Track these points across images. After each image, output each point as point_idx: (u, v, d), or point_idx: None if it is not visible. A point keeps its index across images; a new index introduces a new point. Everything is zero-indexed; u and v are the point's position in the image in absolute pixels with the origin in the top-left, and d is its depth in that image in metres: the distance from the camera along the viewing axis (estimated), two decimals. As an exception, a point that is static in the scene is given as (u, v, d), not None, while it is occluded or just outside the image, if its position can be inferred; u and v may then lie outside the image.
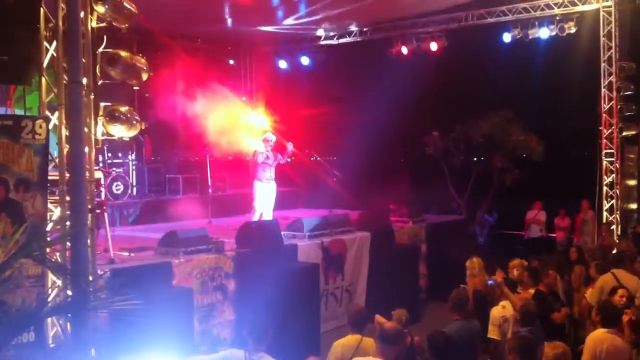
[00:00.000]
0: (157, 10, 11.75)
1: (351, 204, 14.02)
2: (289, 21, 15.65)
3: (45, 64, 6.77)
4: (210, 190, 13.77)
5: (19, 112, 10.60)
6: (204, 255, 8.72)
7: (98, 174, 8.93)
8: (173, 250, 8.56)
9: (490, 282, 7.84)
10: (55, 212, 6.77)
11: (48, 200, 6.58)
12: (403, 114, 16.79)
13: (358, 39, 17.36)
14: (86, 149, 6.65)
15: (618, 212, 14.09)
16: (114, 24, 7.75)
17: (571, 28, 14.44)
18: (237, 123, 13.97)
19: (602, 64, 14.27)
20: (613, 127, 14.13)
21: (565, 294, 8.59)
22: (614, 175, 14.16)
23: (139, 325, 4.45)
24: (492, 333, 7.20)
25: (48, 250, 5.34)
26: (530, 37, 15.01)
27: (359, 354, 5.61)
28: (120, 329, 4.91)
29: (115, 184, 13.29)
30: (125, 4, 7.64)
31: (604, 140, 14.30)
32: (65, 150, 6.62)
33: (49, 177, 6.60)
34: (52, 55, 6.75)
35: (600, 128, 14.39)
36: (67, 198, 6.48)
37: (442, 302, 7.68)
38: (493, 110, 17.47)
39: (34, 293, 6.27)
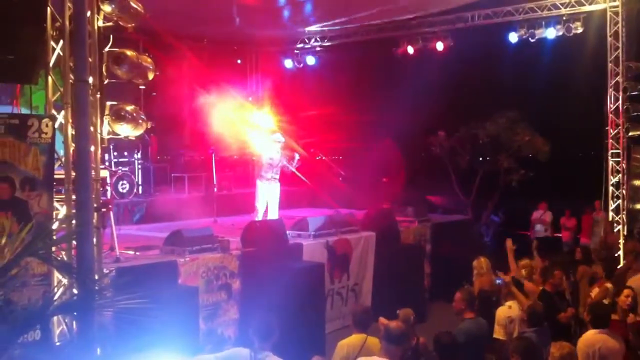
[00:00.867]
0: (164, 10, 11.76)
1: (356, 204, 14.00)
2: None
3: (51, 63, 6.78)
4: (215, 190, 13.78)
5: (25, 111, 10.65)
6: (209, 254, 8.72)
7: (104, 173, 8.95)
8: (178, 249, 8.57)
9: (498, 281, 7.83)
10: (61, 210, 6.78)
11: (54, 199, 6.59)
12: (409, 114, 16.76)
13: (364, 39, 17.35)
14: (92, 148, 6.66)
15: (624, 212, 14.05)
16: (121, 23, 7.78)
17: (578, 28, 14.41)
18: (243, 122, 13.98)
19: (609, 64, 14.24)
20: (619, 127, 14.10)
21: (571, 294, 8.57)
22: (620, 175, 14.12)
23: (145, 324, 4.45)
24: (498, 333, 7.20)
25: (54, 248, 5.36)
26: (536, 37, 15.00)
27: (363, 354, 5.60)
28: (126, 327, 4.92)
29: (121, 182, 13.31)
30: (131, 3, 7.66)
31: (610, 141, 14.27)
32: (72, 149, 6.63)
33: (55, 176, 6.61)
34: (59, 54, 6.77)
35: (607, 128, 14.36)
36: (73, 197, 6.49)
37: (447, 302, 7.68)
38: (499, 110, 17.42)
39: (39, 292, 6.28)
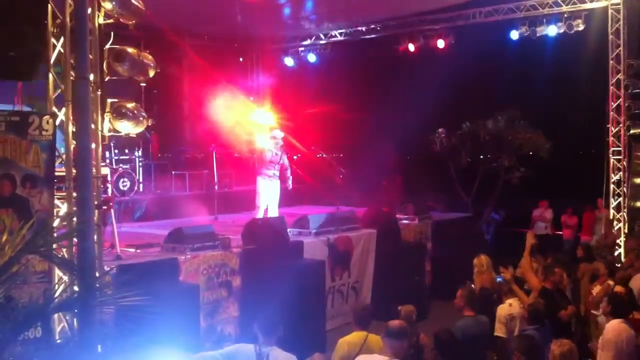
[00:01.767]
0: (165, 7, 11.74)
1: (357, 201, 14.00)
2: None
3: (52, 60, 6.78)
4: (216, 187, 13.78)
5: (26, 108, 10.65)
6: (210, 251, 8.73)
7: (105, 170, 8.95)
8: (179, 247, 8.57)
9: (499, 279, 7.83)
10: (62, 208, 6.78)
11: (55, 196, 6.59)
12: (409, 111, 16.74)
13: (365, 36, 17.33)
14: (93, 145, 6.65)
15: (625, 210, 14.05)
16: (122, 20, 7.76)
17: (579, 25, 14.40)
18: (244, 120, 13.97)
19: (610, 62, 14.23)
20: (620, 125, 14.09)
21: (572, 292, 8.57)
22: (621, 173, 14.12)
23: (146, 322, 4.45)
24: (499, 331, 7.19)
25: (55, 246, 5.35)
26: (537, 35, 14.99)
27: (364, 351, 5.60)
28: (127, 325, 4.91)
29: (122, 180, 13.31)
30: (132, 0, 7.65)
31: (612, 138, 14.26)
32: (72, 147, 6.63)
33: (56, 173, 6.61)
34: (60, 51, 6.76)
35: (608, 126, 14.35)
36: (74, 194, 6.49)
37: (447, 300, 7.67)
38: (500, 108, 17.40)
39: (40, 289, 6.29)
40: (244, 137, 13.42)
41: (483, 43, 16.18)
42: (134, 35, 12.61)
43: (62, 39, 6.71)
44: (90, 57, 6.60)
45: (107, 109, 7.68)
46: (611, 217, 14.06)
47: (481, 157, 18.26)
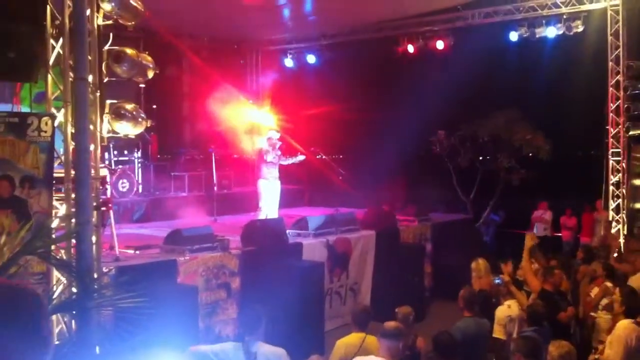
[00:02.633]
0: (164, 8, 11.74)
1: (357, 203, 14.00)
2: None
3: (51, 62, 6.78)
4: (215, 188, 13.78)
5: (25, 109, 10.64)
6: (208, 253, 8.72)
7: (104, 172, 8.93)
8: (178, 248, 8.57)
9: (497, 281, 7.83)
10: (61, 209, 6.78)
11: (53, 198, 6.58)
12: (409, 113, 16.75)
13: (364, 37, 17.34)
14: (92, 147, 6.65)
15: (624, 212, 14.05)
16: (121, 21, 7.76)
17: (578, 27, 14.40)
18: (243, 121, 13.98)
19: (609, 63, 14.23)
20: (620, 126, 14.09)
21: (572, 294, 8.57)
22: (620, 174, 14.12)
23: (144, 323, 4.45)
24: (498, 333, 7.19)
25: (53, 247, 5.36)
26: (537, 36, 14.98)
27: (362, 353, 5.60)
28: (125, 326, 4.91)
29: (121, 181, 13.31)
30: (131, 1, 7.65)
31: (611, 140, 14.26)
32: (71, 148, 6.63)
33: (55, 174, 6.61)
34: (58, 52, 6.76)
35: (607, 127, 14.36)
36: (73, 195, 6.48)
37: (447, 301, 7.67)
38: (499, 109, 17.42)
39: (38, 290, 6.26)
40: (246, 139, 13.43)
41: (482, 44, 16.18)
42: (133, 37, 12.65)
43: (61, 40, 6.70)
44: (89, 58, 6.60)
45: (106, 110, 7.68)
46: (610, 218, 14.06)
47: (480, 158, 18.28)
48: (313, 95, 18.43)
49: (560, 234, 15.86)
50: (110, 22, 7.57)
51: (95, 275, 6.18)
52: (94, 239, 6.47)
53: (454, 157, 18.04)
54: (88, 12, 6.64)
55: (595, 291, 8.12)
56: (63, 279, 6.39)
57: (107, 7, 7.36)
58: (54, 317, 6.37)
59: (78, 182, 6.25)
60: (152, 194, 14.48)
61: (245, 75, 19.51)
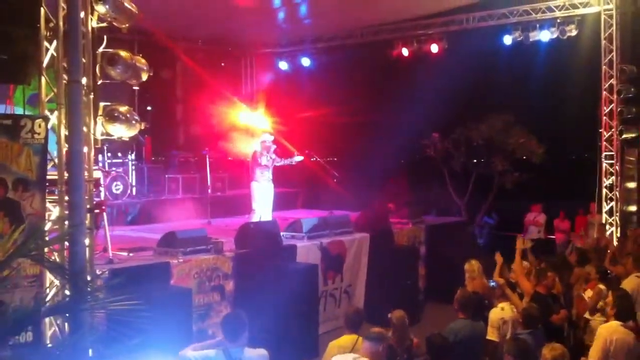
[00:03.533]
0: (158, 11, 11.74)
1: (351, 205, 14.01)
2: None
3: (45, 64, 6.76)
4: (209, 191, 13.78)
5: (18, 111, 10.62)
6: (202, 255, 8.71)
7: (97, 174, 8.93)
8: (172, 251, 8.56)
9: (492, 283, 7.84)
10: (54, 211, 6.76)
11: (47, 200, 6.56)
12: (403, 116, 16.79)
13: (359, 41, 17.36)
14: (85, 149, 6.64)
15: (618, 214, 14.09)
16: (115, 24, 7.75)
17: (572, 31, 14.44)
18: (237, 124, 13.99)
19: (603, 67, 14.27)
20: (613, 130, 14.14)
21: (565, 296, 8.58)
22: (613, 177, 14.16)
23: (137, 326, 4.44)
24: (491, 335, 7.21)
25: (46, 249, 5.33)
26: (531, 40, 15.02)
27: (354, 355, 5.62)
28: (118, 329, 4.90)
29: (114, 183, 13.29)
30: (126, 4, 7.64)
31: (604, 143, 14.30)
32: (65, 150, 6.61)
33: (48, 177, 6.59)
34: (52, 54, 6.74)
35: (601, 130, 14.40)
36: (66, 198, 6.47)
37: (441, 304, 7.68)
38: (493, 112, 17.47)
39: (32, 293, 6.25)
40: (240, 142, 13.44)
41: (476, 48, 16.23)
42: (128, 39, 12.65)
43: (55, 42, 6.69)
44: (83, 60, 6.59)
45: (100, 113, 7.66)
46: (604, 221, 14.09)
47: (474, 161, 18.32)
48: (307, 98, 18.44)
49: (553, 237, 15.89)
50: (104, 24, 7.55)
51: (89, 278, 6.16)
52: (87, 241, 6.45)
53: (448, 160, 18.07)
54: (82, 14, 6.62)
55: (588, 293, 8.14)
56: (56, 282, 6.36)
57: (101, 9, 7.35)
58: (47, 319, 6.36)
59: (71, 184, 6.24)
60: (145, 197, 14.46)
61: (239, 77, 19.50)
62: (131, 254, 8.68)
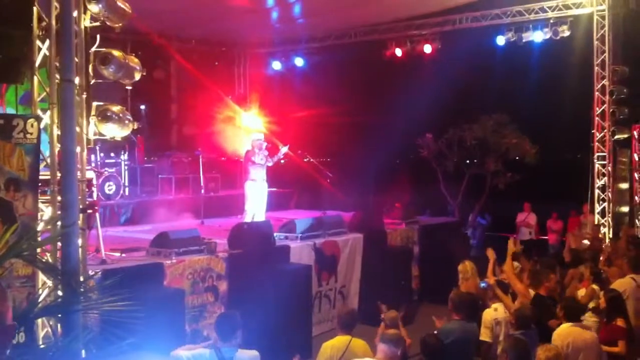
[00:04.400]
0: (151, 10, 11.71)
1: (344, 206, 14.01)
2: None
3: (37, 63, 6.74)
4: (202, 191, 13.75)
5: (10, 110, 10.57)
6: (195, 256, 8.69)
7: (90, 174, 8.89)
8: (165, 251, 8.53)
9: (482, 284, 7.84)
10: (46, 211, 6.73)
11: (39, 200, 6.54)
12: (397, 116, 16.82)
13: (352, 41, 17.36)
14: (78, 149, 6.61)
15: (610, 215, 14.14)
16: (108, 23, 7.72)
17: (565, 31, 14.48)
18: (231, 124, 13.97)
19: (595, 68, 14.32)
20: (605, 131, 14.18)
21: (559, 297, 8.59)
22: (606, 178, 14.20)
23: (130, 326, 4.42)
24: (484, 335, 7.19)
25: (38, 250, 5.31)
26: (524, 41, 15.05)
27: (347, 355, 5.61)
28: (111, 329, 4.88)
29: (107, 184, 13.24)
30: (119, 3, 7.61)
31: (597, 144, 14.34)
32: (57, 150, 6.58)
33: (40, 177, 6.56)
34: (45, 54, 6.72)
35: (593, 131, 14.44)
36: (59, 198, 6.44)
37: (434, 304, 7.66)
38: (486, 113, 17.51)
39: (24, 293, 6.23)
40: (230, 142, 13.42)
41: (470, 48, 16.26)
42: (121, 39, 12.59)
43: (47, 42, 6.66)
44: (76, 60, 6.56)
45: (93, 112, 7.63)
46: (596, 222, 14.14)
47: (468, 161, 18.35)
48: (301, 98, 18.44)
49: (546, 237, 15.93)
50: (97, 23, 7.53)
51: (81, 279, 6.14)
52: (79, 241, 6.43)
53: (441, 160, 18.10)
54: (75, 13, 6.60)
55: (581, 293, 8.16)
56: (49, 282, 6.34)
57: (94, 8, 7.31)
58: (39, 320, 6.33)
59: (64, 184, 6.21)
60: (138, 197, 14.42)
61: (233, 77, 19.47)
62: (124, 255, 8.65)
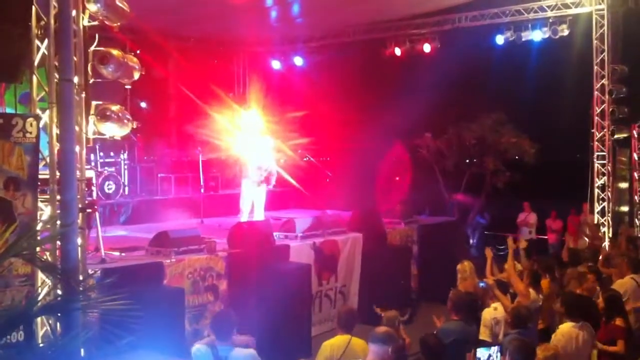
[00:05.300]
0: (150, 9, 11.70)
1: (343, 205, 14.01)
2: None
3: (36, 62, 6.74)
4: (202, 190, 13.75)
5: (9, 110, 10.57)
6: (195, 255, 8.69)
7: (90, 173, 8.90)
8: (164, 250, 8.53)
9: (481, 284, 7.85)
10: (46, 211, 6.73)
11: (38, 199, 6.54)
12: (396, 115, 16.79)
13: (351, 40, 17.36)
14: (77, 148, 6.61)
15: (609, 215, 14.14)
16: (106, 22, 7.72)
17: (564, 31, 14.49)
18: (230, 123, 13.93)
19: (595, 67, 14.32)
20: (605, 130, 14.18)
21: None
22: (605, 177, 14.20)
23: (130, 326, 4.43)
24: (484, 334, 7.21)
25: (38, 249, 5.31)
26: (523, 40, 15.06)
27: (347, 355, 5.61)
28: (110, 328, 4.89)
29: (107, 183, 13.23)
30: (117, 2, 7.61)
31: (596, 143, 14.34)
32: (56, 149, 6.58)
33: (40, 176, 6.56)
34: (44, 53, 6.72)
35: (592, 130, 14.44)
36: (58, 197, 6.44)
37: (433, 303, 7.67)
38: (486, 112, 17.49)
39: (23, 292, 6.23)
40: (230, 141, 13.39)
41: (469, 48, 16.24)
42: (119, 38, 12.55)
43: (46, 41, 6.66)
44: (75, 59, 6.56)
45: (92, 112, 7.63)
46: (595, 221, 14.14)
47: (467, 161, 18.34)
48: (300, 97, 18.41)
49: (546, 237, 15.93)
50: (96, 23, 7.53)
51: (81, 278, 6.14)
52: (79, 241, 6.43)
53: (440, 159, 18.08)
54: (74, 12, 6.60)
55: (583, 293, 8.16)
56: (48, 281, 6.34)
57: (92, 8, 7.32)
58: (38, 319, 6.33)
59: (63, 183, 6.21)
60: (138, 196, 14.41)
61: (232, 77, 19.47)
62: (123, 254, 8.64)
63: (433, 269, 12.17)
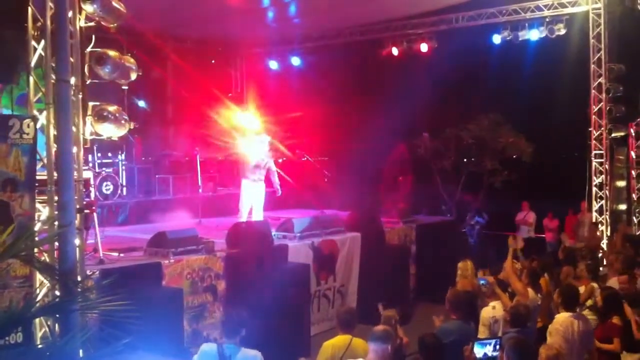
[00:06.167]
0: (147, 10, 11.70)
1: (342, 205, 14.00)
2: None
3: (33, 63, 6.73)
4: (200, 191, 13.73)
5: (6, 111, 10.54)
6: (193, 255, 8.68)
7: (87, 174, 8.87)
8: (163, 251, 8.51)
9: (482, 282, 7.85)
10: (44, 212, 6.72)
11: (36, 200, 6.53)
12: (393, 115, 16.78)
13: (349, 40, 17.37)
14: (74, 149, 6.60)
15: (607, 213, 14.16)
16: (103, 23, 7.72)
17: (561, 30, 14.52)
18: (228, 123, 13.94)
19: (592, 66, 14.35)
20: (602, 129, 14.22)
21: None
22: (603, 176, 14.23)
23: (128, 326, 4.42)
24: (482, 333, 7.20)
25: (36, 250, 5.30)
26: (520, 39, 15.10)
27: (348, 355, 5.60)
28: (109, 329, 4.88)
29: (105, 184, 13.22)
30: (114, 3, 7.60)
31: (594, 142, 14.38)
32: (54, 150, 6.57)
33: (37, 177, 6.55)
34: (40, 54, 6.71)
35: (590, 129, 14.47)
36: (56, 198, 6.43)
37: (431, 303, 7.66)
38: (483, 111, 17.50)
39: (21, 293, 6.22)
40: (228, 141, 13.39)
41: (466, 47, 16.25)
42: (116, 39, 12.55)
43: (42, 42, 6.66)
44: (72, 60, 6.56)
45: (89, 112, 7.63)
46: (594, 220, 14.16)
47: (464, 160, 18.35)
48: (298, 97, 18.41)
49: (543, 236, 15.94)
50: (92, 23, 7.52)
51: (79, 278, 6.14)
52: (77, 241, 6.43)
53: (438, 159, 18.09)
54: (70, 13, 6.60)
55: (581, 290, 8.17)
56: (46, 282, 6.33)
57: (89, 8, 7.31)
58: (37, 320, 6.32)
59: (61, 184, 6.21)
60: (136, 197, 14.40)
61: (229, 77, 19.47)
62: (122, 255, 8.62)
63: (431, 269, 12.19)
